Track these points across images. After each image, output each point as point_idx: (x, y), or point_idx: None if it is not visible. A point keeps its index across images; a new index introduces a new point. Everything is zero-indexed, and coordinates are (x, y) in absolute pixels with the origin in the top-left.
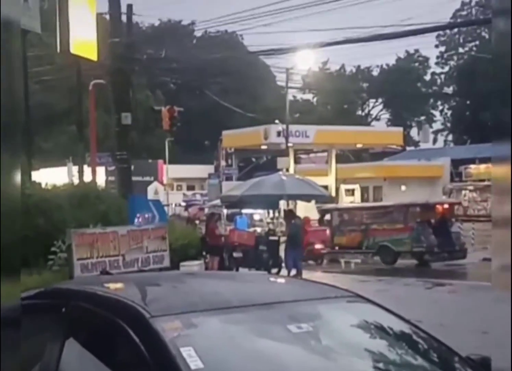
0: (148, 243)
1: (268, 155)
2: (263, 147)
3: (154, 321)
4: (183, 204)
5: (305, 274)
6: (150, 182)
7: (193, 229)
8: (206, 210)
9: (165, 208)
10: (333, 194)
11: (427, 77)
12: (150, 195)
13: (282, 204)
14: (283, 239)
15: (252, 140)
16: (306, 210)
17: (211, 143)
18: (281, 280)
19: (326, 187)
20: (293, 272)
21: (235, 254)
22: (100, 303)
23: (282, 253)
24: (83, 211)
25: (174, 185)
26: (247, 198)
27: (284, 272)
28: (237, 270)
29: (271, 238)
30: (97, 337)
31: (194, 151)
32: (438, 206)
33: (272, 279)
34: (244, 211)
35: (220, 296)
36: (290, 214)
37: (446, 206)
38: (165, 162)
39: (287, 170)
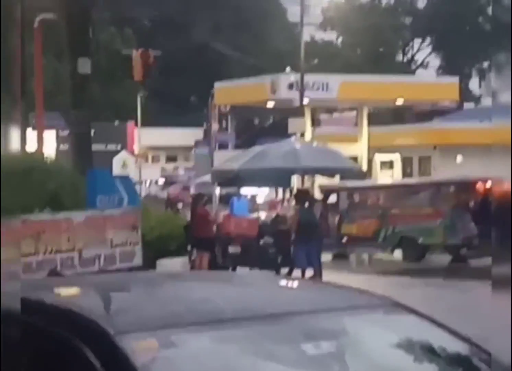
0: (114, 234)
1: (276, 116)
2: (270, 104)
3: (121, 339)
4: (161, 181)
5: (327, 275)
6: (116, 153)
7: (174, 214)
8: (192, 190)
9: (137, 187)
10: (364, 167)
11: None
12: (117, 169)
13: (295, 181)
14: None
15: (255, 95)
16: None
17: (199, 99)
18: (293, 283)
19: (355, 158)
20: (309, 272)
21: (231, 249)
22: (48, 316)
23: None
24: (26, 190)
25: (149, 156)
26: (248, 173)
27: (296, 272)
28: (233, 269)
29: (280, 227)
30: (43, 363)
31: (175, 111)
32: (479, 184)
33: (281, 282)
34: (244, 190)
35: (211, 305)
36: (302, 195)
37: (489, 183)
38: (136, 125)
39: (302, 135)
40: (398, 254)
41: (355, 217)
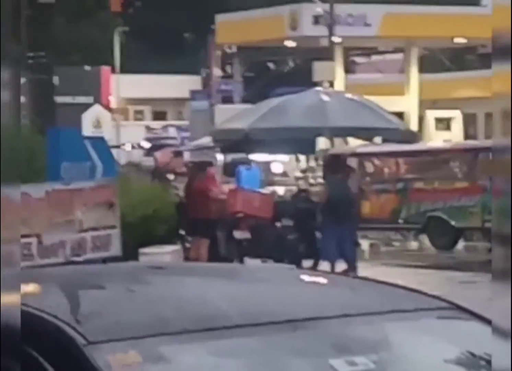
0: (84, 215)
1: (298, 59)
2: (289, 44)
3: (94, 350)
4: (146, 144)
5: (363, 269)
6: (87, 107)
7: (163, 189)
8: (187, 156)
9: (114, 152)
10: (414, 126)
11: None
12: (88, 129)
13: (323, 144)
14: None
15: (269, 31)
16: None
17: (196, 37)
18: (319, 280)
19: (400, 115)
20: (341, 265)
21: (237, 234)
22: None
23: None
24: None
25: (130, 111)
26: (260, 134)
27: (324, 265)
28: (240, 261)
29: (303, 205)
30: None
31: (164, 52)
32: None
33: (303, 278)
34: (255, 157)
35: (210, 307)
36: (334, 162)
37: None
38: (113, 71)
39: (331, 85)
40: (423, 239)
41: (367, 192)
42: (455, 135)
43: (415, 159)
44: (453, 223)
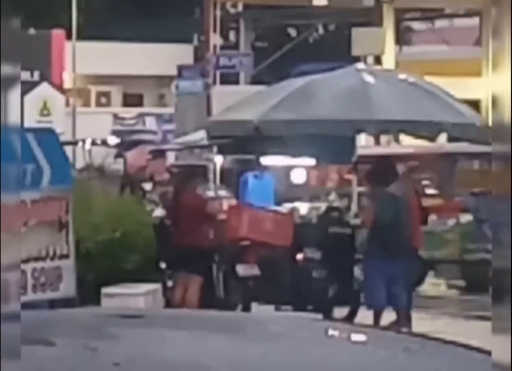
0: (25, 237)
1: (330, 24)
2: (318, 1)
3: None
4: (114, 140)
5: (418, 321)
6: (31, 86)
7: (136, 203)
8: (171, 158)
9: (68, 150)
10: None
11: None
12: (31, 117)
13: (362, 144)
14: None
15: None
16: None
17: None
18: (358, 336)
19: (475, 104)
20: (389, 314)
21: (241, 269)
22: None
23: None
24: None
25: (91, 94)
26: (276, 128)
27: (365, 315)
28: (246, 308)
29: (335, 229)
30: None
31: (142, 10)
32: None
33: (335, 332)
34: (268, 161)
35: None
36: (383, 171)
37: None
38: (69, 37)
39: (378, 61)
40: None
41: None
42: None
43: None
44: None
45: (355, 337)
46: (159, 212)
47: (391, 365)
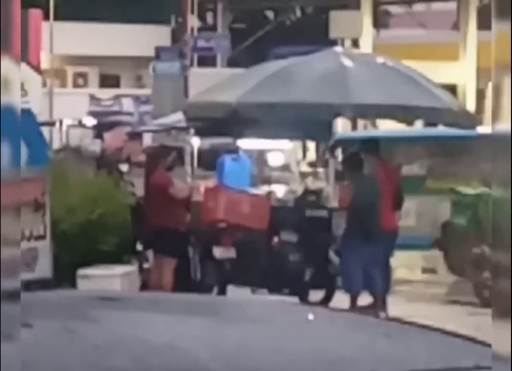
0: None
1: (308, 6)
2: None
3: None
4: (91, 121)
5: (394, 306)
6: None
7: (113, 184)
8: (148, 139)
9: (44, 131)
10: (471, 105)
11: None
12: (7, 95)
13: (340, 128)
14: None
15: None
16: None
17: None
18: (335, 320)
19: (452, 88)
20: (365, 298)
21: (217, 251)
22: None
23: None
24: None
25: (68, 74)
26: (253, 111)
27: (340, 297)
28: (221, 292)
29: (311, 212)
30: None
31: None
32: None
33: (311, 316)
34: (245, 143)
35: (180, 359)
36: (358, 157)
37: None
38: (46, 18)
39: (356, 44)
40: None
41: None
42: None
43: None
44: None
45: (332, 320)
46: (135, 194)
47: (369, 350)
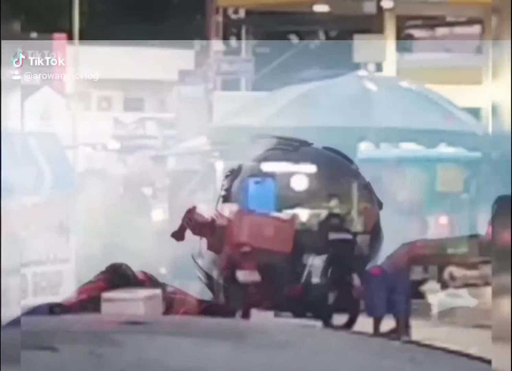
0: (23, 242)
1: (332, 30)
2: (320, 8)
3: None
4: (115, 145)
5: (418, 329)
6: (31, 89)
7: (137, 208)
8: (172, 163)
9: (69, 154)
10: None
11: None
12: (32, 121)
13: (364, 152)
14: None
15: None
16: None
17: None
18: (358, 344)
19: (475, 112)
20: (388, 321)
21: (241, 275)
22: None
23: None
24: None
25: (92, 98)
26: (277, 136)
27: (364, 322)
28: (245, 316)
29: (335, 235)
30: None
31: (144, 15)
32: None
33: (334, 339)
34: (269, 167)
35: None
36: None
37: None
38: (71, 39)
39: (379, 68)
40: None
41: None
42: None
43: None
44: None
45: (355, 344)
46: (159, 217)
47: None
